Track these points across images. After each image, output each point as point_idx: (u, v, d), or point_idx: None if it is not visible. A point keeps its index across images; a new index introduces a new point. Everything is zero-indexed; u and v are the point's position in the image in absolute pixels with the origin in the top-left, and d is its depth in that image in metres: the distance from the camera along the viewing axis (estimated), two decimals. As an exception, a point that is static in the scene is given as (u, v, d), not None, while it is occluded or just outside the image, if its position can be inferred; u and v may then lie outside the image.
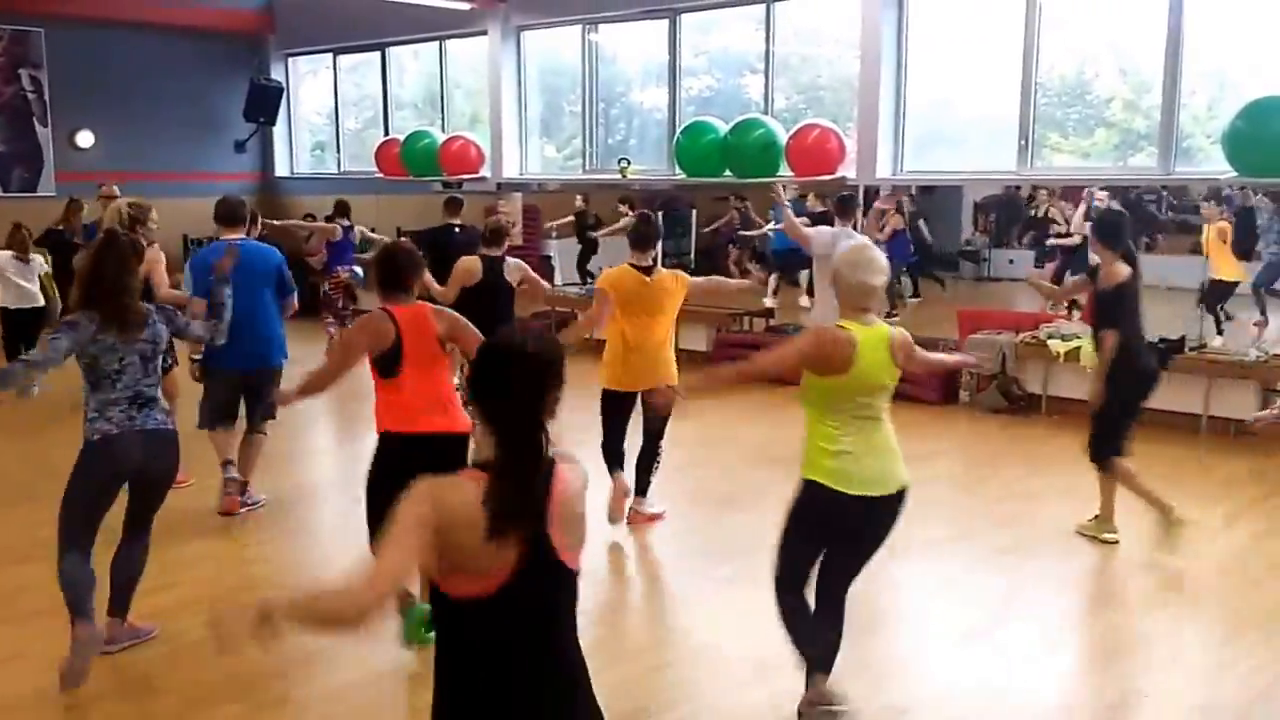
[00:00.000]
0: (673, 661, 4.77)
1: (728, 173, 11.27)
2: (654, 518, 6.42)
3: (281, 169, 17.48)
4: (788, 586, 3.99)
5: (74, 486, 4.31)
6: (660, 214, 9.40)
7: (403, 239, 7.10)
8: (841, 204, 8.38)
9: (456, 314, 4.66)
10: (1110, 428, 5.95)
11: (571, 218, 13.48)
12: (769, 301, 11.71)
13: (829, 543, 3.95)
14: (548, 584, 2.19)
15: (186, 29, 15.70)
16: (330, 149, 17.22)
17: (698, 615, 5.25)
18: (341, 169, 16.78)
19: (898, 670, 4.69)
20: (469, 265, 7.23)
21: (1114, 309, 5.82)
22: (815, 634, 3.97)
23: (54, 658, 4.30)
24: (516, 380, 2.18)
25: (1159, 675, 4.64)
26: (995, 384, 9.26)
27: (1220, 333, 9.51)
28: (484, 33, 13.92)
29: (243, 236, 6.39)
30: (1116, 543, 5.98)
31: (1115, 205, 9.18)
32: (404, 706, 4.36)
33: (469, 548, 2.09)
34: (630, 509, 6.32)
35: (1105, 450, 5.95)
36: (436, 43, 14.99)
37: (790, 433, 7.79)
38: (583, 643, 2.34)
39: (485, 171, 14.04)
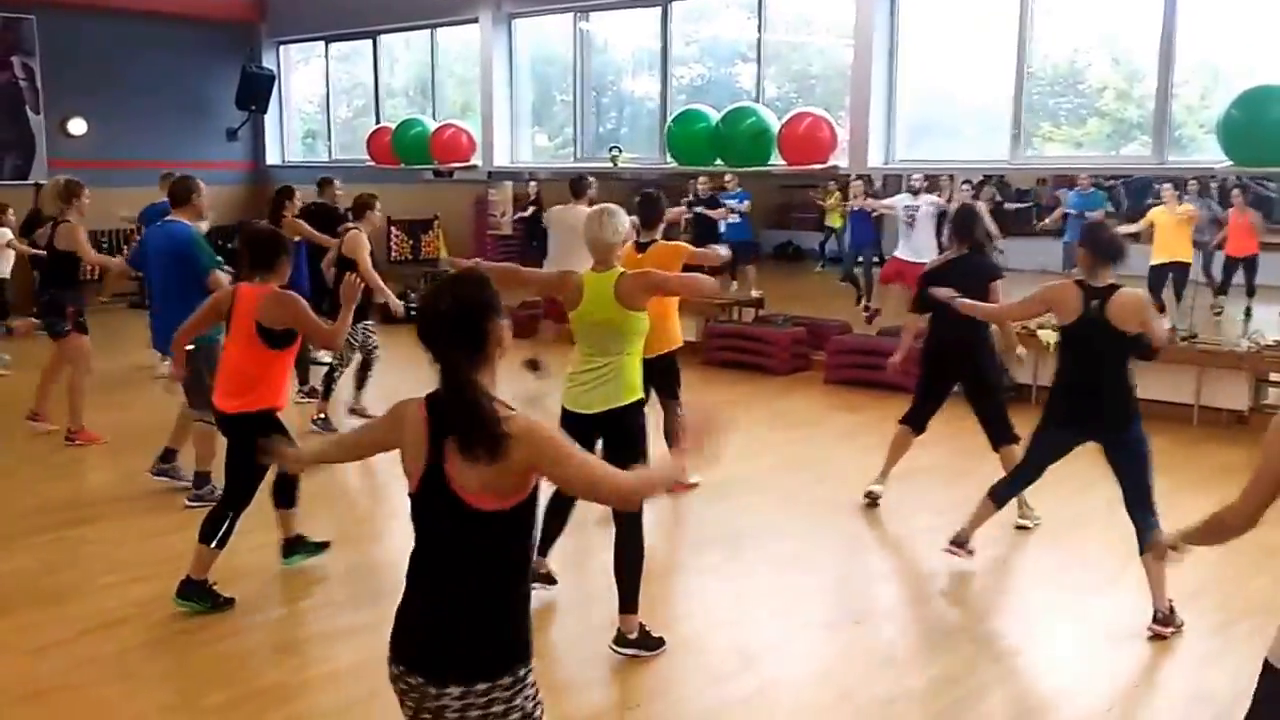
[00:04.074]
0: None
1: (719, 161, 11.23)
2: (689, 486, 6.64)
3: (273, 157, 17.38)
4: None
5: None
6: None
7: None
8: (573, 185, 9.39)
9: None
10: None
11: None
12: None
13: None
14: (438, 506, 2.45)
15: (179, 16, 15.60)
16: (321, 137, 17.11)
17: (680, 606, 5.22)
18: (332, 157, 16.69)
19: (885, 662, 4.63)
20: None
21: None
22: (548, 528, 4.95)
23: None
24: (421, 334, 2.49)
25: (1150, 664, 4.63)
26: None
27: None
28: (475, 21, 13.85)
29: (177, 219, 6.51)
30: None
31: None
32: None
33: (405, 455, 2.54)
34: None
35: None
36: (428, 31, 14.93)
37: (781, 425, 7.84)
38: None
39: (476, 160, 13.99)
